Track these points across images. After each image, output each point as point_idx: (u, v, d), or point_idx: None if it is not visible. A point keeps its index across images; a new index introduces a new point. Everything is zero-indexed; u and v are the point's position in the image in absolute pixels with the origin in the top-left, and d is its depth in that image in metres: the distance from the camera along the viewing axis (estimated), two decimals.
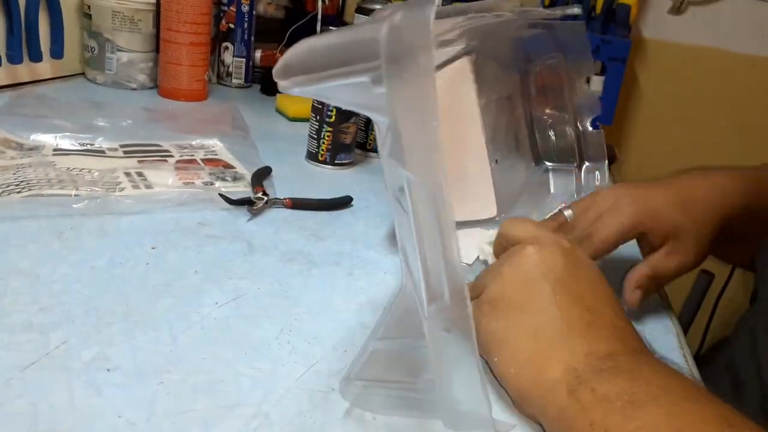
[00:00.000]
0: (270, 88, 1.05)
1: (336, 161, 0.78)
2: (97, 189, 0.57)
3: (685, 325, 1.15)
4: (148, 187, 0.60)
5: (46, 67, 0.89)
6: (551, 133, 0.73)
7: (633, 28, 1.22)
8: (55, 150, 0.65)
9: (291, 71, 0.34)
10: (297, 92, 0.34)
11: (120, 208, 0.56)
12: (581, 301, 0.39)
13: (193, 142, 0.74)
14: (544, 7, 1.22)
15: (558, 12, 0.65)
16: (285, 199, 0.63)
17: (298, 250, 0.55)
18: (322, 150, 0.77)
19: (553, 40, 0.70)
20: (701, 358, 0.51)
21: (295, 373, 0.39)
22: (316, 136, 0.77)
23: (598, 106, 0.71)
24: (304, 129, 0.79)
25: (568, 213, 0.54)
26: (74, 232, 0.51)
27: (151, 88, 0.97)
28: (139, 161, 0.66)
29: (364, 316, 0.47)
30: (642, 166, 1.33)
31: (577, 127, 0.71)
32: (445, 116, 0.62)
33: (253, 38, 1.07)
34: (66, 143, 0.67)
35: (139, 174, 0.63)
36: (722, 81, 1.27)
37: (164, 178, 0.62)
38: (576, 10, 0.65)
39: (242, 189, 0.64)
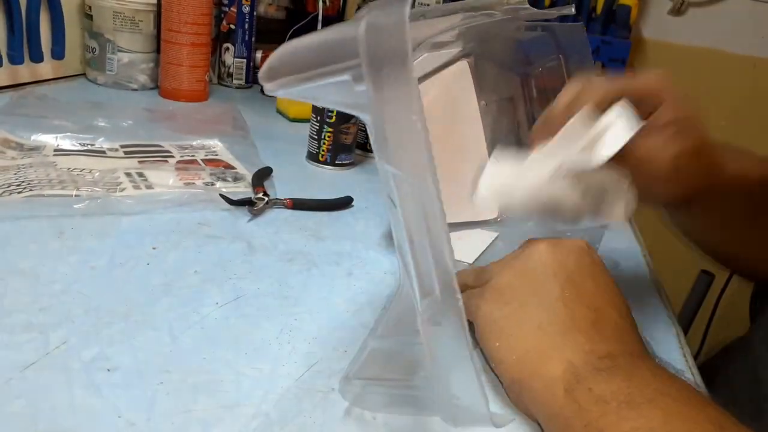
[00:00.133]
0: None
1: (336, 162, 0.78)
2: (97, 189, 0.57)
3: (685, 325, 1.15)
4: (149, 187, 0.60)
5: (47, 68, 0.89)
6: None
7: (633, 29, 1.22)
8: (55, 150, 0.65)
9: (275, 73, 0.34)
10: (282, 94, 0.34)
11: (120, 208, 0.56)
12: (588, 301, 0.39)
13: (194, 143, 0.74)
14: (544, 7, 1.22)
15: (554, 12, 0.65)
16: (285, 199, 0.63)
17: (298, 250, 0.55)
18: (323, 150, 0.77)
19: (553, 43, 0.70)
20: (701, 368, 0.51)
21: (295, 373, 0.39)
22: (316, 137, 0.77)
23: None
24: (305, 129, 0.79)
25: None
26: (75, 233, 0.51)
27: (151, 88, 0.97)
28: (139, 161, 0.66)
29: (364, 316, 0.47)
30: None
31: None
32: (445, 118, 0.63)
33: (253, 39, 1.07)
34: (67, 143, 0.67)
35: (140, 174, 0.63)
36: (722, 82, 1.27)
37: (165, 179, 0.62)
38: (570, 9, 0.65)
39: (243, 189, 0.64)
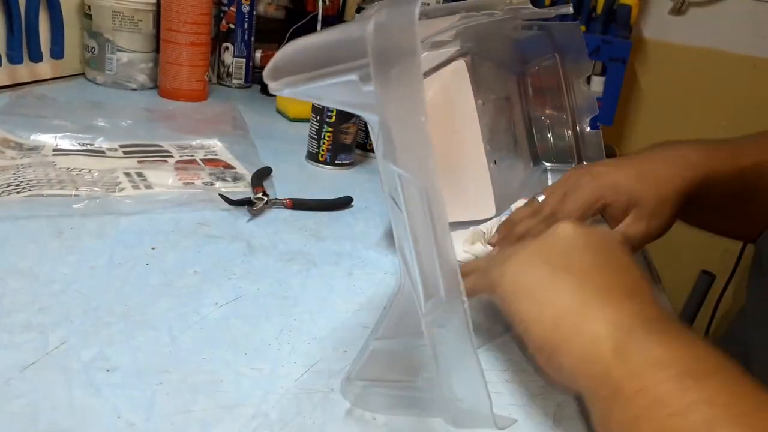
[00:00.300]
0: None
1: (336, 162, 0.78)
2: (96, 189, 0.57)
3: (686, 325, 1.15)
4: (148, 187, 0.60)
5: (46, 68, 0.89)
6: (549, 133, 0.73)
7: (634, 28, 1.22)
8: (55, 150, 0.65)
9: (280, 73, 0.34)
10: (287, 93, 0.34)
11: (120, 208, 0.56)
12: (624, 269, 0.37)
13: (193, 143, 0.74)
14: (544, 6, 1.22)
15: (551, 11, 0.65)
16: (285, 199, 0.63)
17: (297, 250, 0.55)
18: (323, 150, 0.77)
19: (549, 42, 0.70)
20: None
21: (295, 374, 0.39)
22: (316, 137, 0.77)
23: (596, 107, 0.71)
24: (305, 129, 0.79)
25: (540, 198, 0.56)
26: (74, 232, 0.51)
27: (151, 88, 0.97)
28: (139, 161, 0.66)
29: (364, 316, 0.47)
30: None
31: (576, 128, 0.71)
32: (443, 117, 0.63)
33: (253, 38, 1.07)
34: (66, 143, 0.67)
35: (139, 174, 0.63)
36: (722, 82, 1.27)
37: (164, 179, 0.62)
38: (568, 9, 0.65)
39: (242, 189, 0.64)
